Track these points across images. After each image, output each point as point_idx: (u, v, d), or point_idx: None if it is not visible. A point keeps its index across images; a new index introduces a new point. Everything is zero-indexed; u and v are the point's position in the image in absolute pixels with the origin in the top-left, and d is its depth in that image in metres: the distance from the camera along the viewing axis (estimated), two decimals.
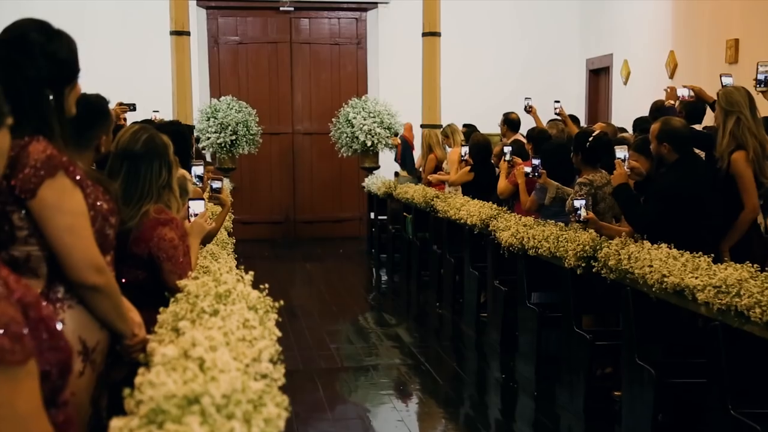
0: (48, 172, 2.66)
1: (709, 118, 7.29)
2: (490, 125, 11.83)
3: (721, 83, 6.54)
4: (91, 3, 13.44)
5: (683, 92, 7.11)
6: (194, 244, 4.11)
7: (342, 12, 15.35)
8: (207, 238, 5.00)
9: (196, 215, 4.42)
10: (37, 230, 2.69)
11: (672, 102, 7.42)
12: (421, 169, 11.89)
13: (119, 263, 3.22)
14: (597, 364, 6.30)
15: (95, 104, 3.42)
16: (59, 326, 2.71)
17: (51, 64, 2.77)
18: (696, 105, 7.08)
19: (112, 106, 3.71)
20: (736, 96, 5.66)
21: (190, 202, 4.50)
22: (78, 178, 2.73)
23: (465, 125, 11.66)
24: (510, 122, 9.84)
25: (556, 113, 9.25)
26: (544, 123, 9.46)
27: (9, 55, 2.72)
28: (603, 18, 14.46)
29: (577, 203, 5.87)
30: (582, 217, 5.85)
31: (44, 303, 1.83)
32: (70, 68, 2.85)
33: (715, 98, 6.67)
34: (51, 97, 2.77)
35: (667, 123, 5.66)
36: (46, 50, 2.77)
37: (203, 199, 4.71)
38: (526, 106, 9.74)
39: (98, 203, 2.83)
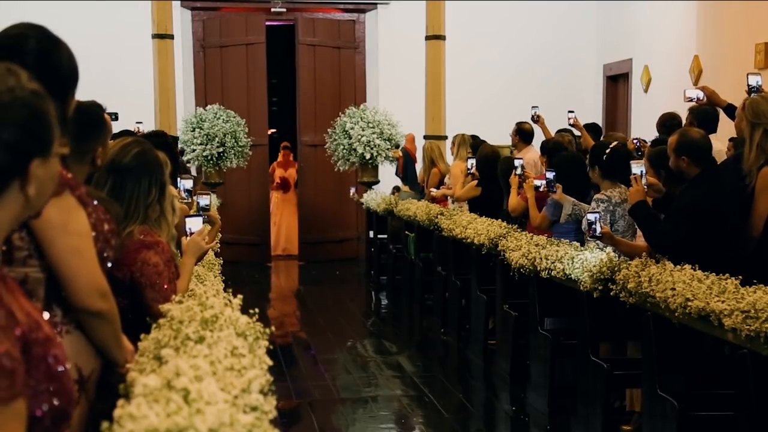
0: (54, 190, 2.67)
1: (725, 126, 7.31)
2: (499, 136, 11.85)
3: (747, 83, 6.51)
4: (66, 4, 13.48)
5: (693, 94, 7.13)
6: (190, 264, 4.12)
7: (338, 13, 15.38)
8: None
9: (192, 233, 4.43)
10: (38, 251, 2.71)
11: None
12: (423, 184, 11.91)
13: None
14: (615, 396, 6.30)
15: (90, 113, 3.36)
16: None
17: (56, 73, 2.78)
18: (708, 112, 7.09)
19: None
20: (763, 106, 5.64)
21: (187, 219, 4.52)
22: (82, 197, 2.76)
23: (473, 137, 11.65)
24: (523, 133, 9.85)
25: (570, 124, 9.28)
26: (554, 133, 9.50)
27: (18, 65, 2.72)
28: (621, 20, 14.51)
29: (592, 217, 5.88)
30: (597, 233, 5.87)
31: (58, 342, 1.81)
32: (75, 77, 2.86)
33: (728, 102, 6.68)
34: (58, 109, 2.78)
35: (684, 135, 5.69)
36: (52, 58, 2.78)
37: (201, 215, 4.73)
38: (533, 116, 9.77)
39: (100, 224, 2.85)
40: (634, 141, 8.45)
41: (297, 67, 15.13)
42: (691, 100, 7.19)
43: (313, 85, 15.14)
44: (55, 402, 1.80)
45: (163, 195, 3.75)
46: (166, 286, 3.63)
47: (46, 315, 2.75)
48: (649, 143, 8.17)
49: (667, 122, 7.75)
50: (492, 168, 9.33)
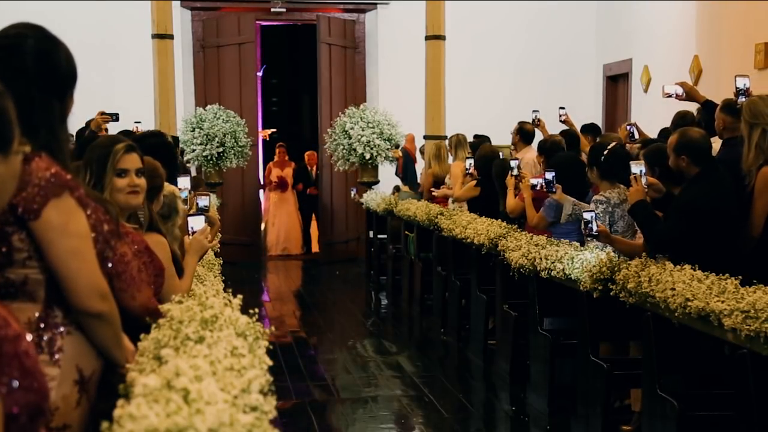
0: (53, 191, 2.67)
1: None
2: (499, 136, 11.85)
3: (735, 86, 6.49)
4: (66, 4, 13.46)
5: (672, 90, 7.11)
6: (192, 262, 4.10)
7: (338, 13, 15.36)
8: None
9: (195, 232, 4.42)
10: (38, 252, 2.71)
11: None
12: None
13: None
14: (615, 396, 6.30)
15: None
16: (57, 355, 2.73)
17: (55, 73, 2.80)
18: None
19: (93, 115, 3.71)
20: (760, 107, 5.64)
21: (189, 219, 4.51)
22: (81, 198, 2.76)
23: (476, 136, 11.61)
24: (524, 133, 9.83)
25: (561, 121, 9.27)
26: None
27: (17, 64, 2.73)
28: (621, 20, 14.51)
29: (587, 216, 5.88)
30: (593, 231, 5.87)
31: (27, 338, 1.81)
32: (73, 77, 2.88)
33: (707, 98, 6.70)
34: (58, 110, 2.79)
35: (684, 134, 5.69)
36: (51, 58, 2.79)
37: (203, 214, 4.72)
38: (534, 120, 9.77)
39: (100, 225, 2.85)
40: (628, 127, 8.38)
41: (318, 67, 14.93)
42: (670, 96, 7.18)
43: (329, 84, 15.11)
44: (30, 397, 1.79)
45: (101, 179, 3.64)
46: (134, 275, 3.55)
47: (36, 312, 2.75)
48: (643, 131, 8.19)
49: (679, 121, 7.72)
50: (491, 168, 9.33)
